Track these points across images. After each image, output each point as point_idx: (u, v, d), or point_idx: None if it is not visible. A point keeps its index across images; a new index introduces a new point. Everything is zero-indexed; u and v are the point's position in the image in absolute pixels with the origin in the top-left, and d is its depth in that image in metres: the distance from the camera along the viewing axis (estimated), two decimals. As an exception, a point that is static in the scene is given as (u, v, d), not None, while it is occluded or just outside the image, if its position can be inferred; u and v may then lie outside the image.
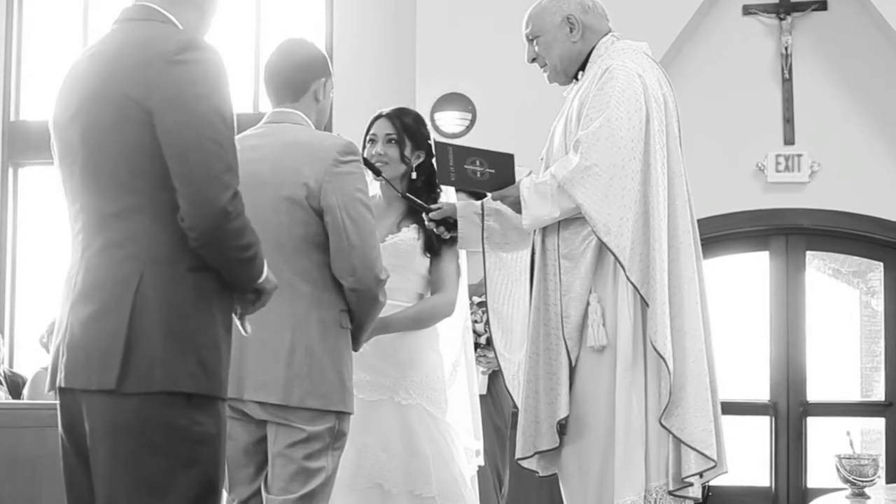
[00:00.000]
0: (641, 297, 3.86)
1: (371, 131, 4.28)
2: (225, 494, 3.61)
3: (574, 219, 3.96)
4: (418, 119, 4.31)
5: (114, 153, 2.72)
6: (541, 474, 4.14)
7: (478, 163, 4.08)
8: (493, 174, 4.07)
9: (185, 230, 2.68)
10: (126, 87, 2.70)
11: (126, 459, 2.67)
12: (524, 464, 4.11)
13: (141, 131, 2.68)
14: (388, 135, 4.24)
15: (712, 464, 3.89)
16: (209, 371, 2.71)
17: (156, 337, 2.66)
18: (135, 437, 2.67)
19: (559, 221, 3.98)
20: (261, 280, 2.83)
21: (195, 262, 2.71)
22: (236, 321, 2.92)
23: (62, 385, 2.78)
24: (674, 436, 3.87)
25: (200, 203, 2.65)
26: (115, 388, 2.65)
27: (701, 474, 3.92)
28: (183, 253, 2.70)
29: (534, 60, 4.22)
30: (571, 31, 4.13)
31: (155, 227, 2.70)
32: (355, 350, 3.61)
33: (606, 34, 4.15)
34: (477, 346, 4.88)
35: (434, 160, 4.19)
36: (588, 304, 3.95)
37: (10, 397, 7.77)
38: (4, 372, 8.14)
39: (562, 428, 3.97)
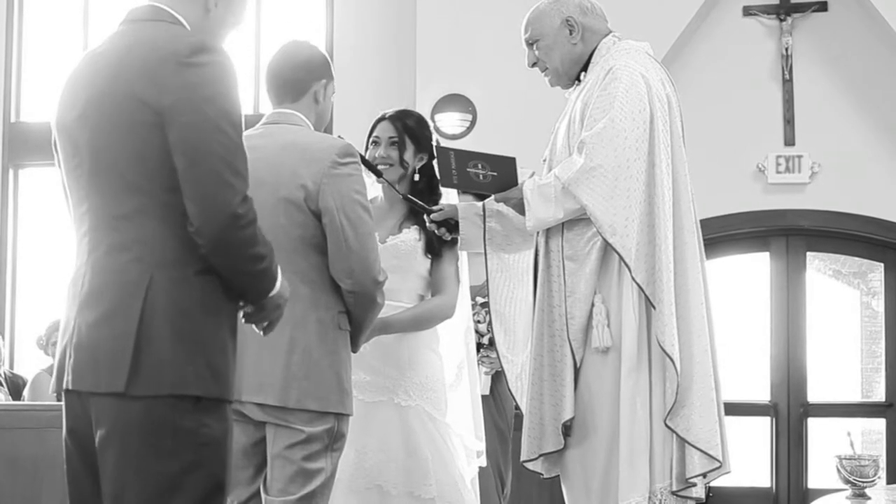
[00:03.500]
0: (647, 297, 3.86)
1: (374, 133, 4.27)
2: (225, 496, 3.62)
3: (578, 220, 3.95)
4: (421, 121, 4.31)
5: (121, 154, 2.70)
6: (545, 476, 4.14)
7: (480, 166, 4.08)
8: (496, 177, 4.07)
9: (192, 235, 2.66)
10: (135, 87, 2.68)
11: (134, 462, 2.67)
12: (529, 466, 4.10)
13: (150, 132, 2.66)
14: (390, 138, 4.23)
15: (717, 464, 3.88)
16: (217, 374, 2.70)
17: (165, 340, 2.65)
18: (143, 439, 2.66)
19: (563, 223, 3.97)
20: (272, 294, 2.81)
21: (202, 266, 2.69)
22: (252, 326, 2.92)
23: (69, 387, 2.76)
24: (679, 436, 3.87)
25: (208, 206, 2.64)
26: (123, 390, 2.64)
27: (705, 475, 3.91)
28: (190, 256, 2.68)
29: (534, 65, 4.21)
30: (571, 34, 4.12)
31: (162, 229, 2.68)
32: (354, 351, 3.61)
33: (607, 35, 4.15)
34: (480, 346, 4.88)
35: (436, 163, 4.19)
36: (593, 305, 3.94)
37: (10, 399, 7.78)
38: (5, 373, 8.14)
39: (566, 430, 3.97)
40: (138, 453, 2.66)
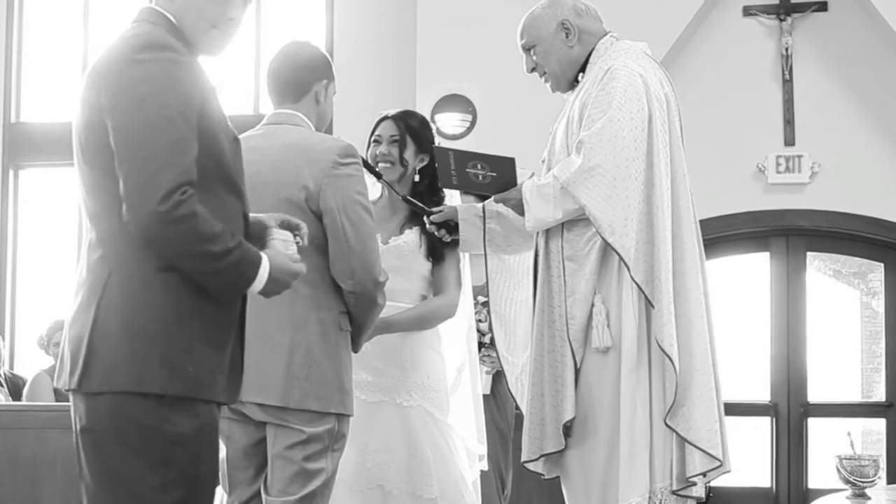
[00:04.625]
0: (646, 297, 3.86)
1: (376, 132, 4.28)
2: (225, 496, 3.62)
3: (578, 220, 3.95)
4: (424, 122, 4.31)
5: (91, 155, 2.73)
6: (546, 476, 4.14)
7: (479, 166, 4.08)
8: (495, 177, 4.07)
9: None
10: (95, 89, 2.72)
11: (101, 458, 2.70)
12: (530, 466, 4.10)
13: (103, 133, 2.69)
14: (392, 136, 4.23)
15: (717, 463, 3.88)
16: (180, 372, 2.68)
17: (117, 337, 2.66)
18: (108, 436, 2.68)
19: (563, 223, 3.98)
20: (257, 290, 2.77)
21: (166, 263, 2.69)
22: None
23: (55, 384, 2.83)
24: (679, 436, 3.87)
25: (131, 202, 2.63)
26: (77, 387, 2.68)
27: (704, 474, 3.92)
28: (152, 253, 2.67)
29: (533, 70, 4.21)
30: (568, 37, 4.12)
31: (123, 227, 2.68)
32: (355, 352, 3.61)
33: (604, 35, 4.15)
34: (481, 345, 4.88)
35: (436, 164, 4.19)
36: (593, 305, 3.94)
37: (10, 399, 7.77)
38: (5, 374, 8.14)
39: (567, 430, 3.97)
40: (104, 449, 2.69)
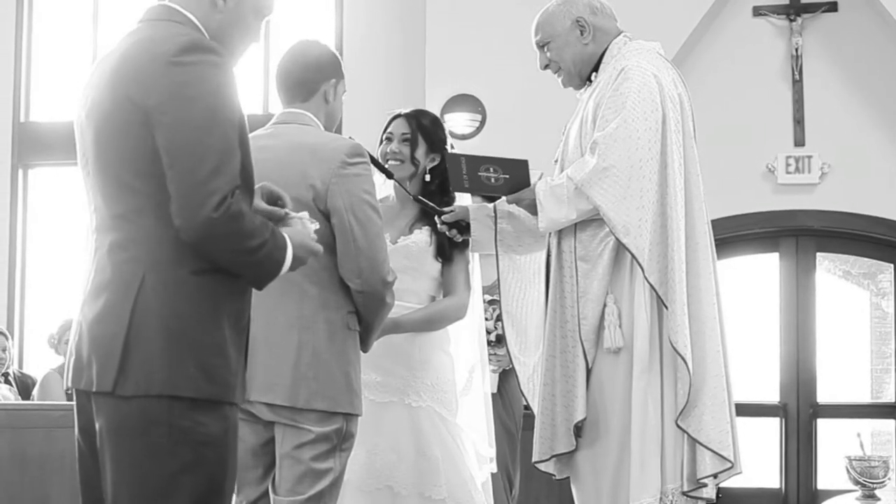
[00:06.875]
0: (660, 297, 3.86)
1: (388, 130, 4.28)
2: (233, 496, 3.61)
3: (591, 220, 3.95)
4: (436, 122, 4.31)
5: (118, 154, 2.71)
6: (557, 477, 4.13)
7: (491, 169, 4.07)
8: (508, 179, 4.07)
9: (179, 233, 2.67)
10: (127, 88, 2.70)
11: (129, 460, 2.68)
12: (541, 467, 4.10)
13: (141, 133, 2.67)
14: (403, 134, 4.24)
15: (728, 465, 3.88)
16: (212, 375, 2.69)
17: (154, 340, 2.65)
18: (138, 438, 2.67)
19: (575, 224, 3.98)
20: (283, 272, 2.80)
21: (200, 265, 2.69)
22: None
23: (69, 385, 2.80)
24: (690, 437, 3.86)
25: (184, 207, 2.63)
26: (111, 390, 2.66)
27: (716, 475, 3.91)
28: (186, 255, 2.68)
29: (546, 67, 4.21)
30: (582, 34, 4.13)
31: (158, 229, 2.68)
32: (364, 351, 3.61)
33: (618, 35, 4.16)
34: (487, 343, 4.88)
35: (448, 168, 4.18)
36: (605, 305, 3.94)
37: (19, 398, 7.78)
38: (14, 372, 8.14)
39: (578, 431, 3.97)
40: (133, 452, 2.67)
